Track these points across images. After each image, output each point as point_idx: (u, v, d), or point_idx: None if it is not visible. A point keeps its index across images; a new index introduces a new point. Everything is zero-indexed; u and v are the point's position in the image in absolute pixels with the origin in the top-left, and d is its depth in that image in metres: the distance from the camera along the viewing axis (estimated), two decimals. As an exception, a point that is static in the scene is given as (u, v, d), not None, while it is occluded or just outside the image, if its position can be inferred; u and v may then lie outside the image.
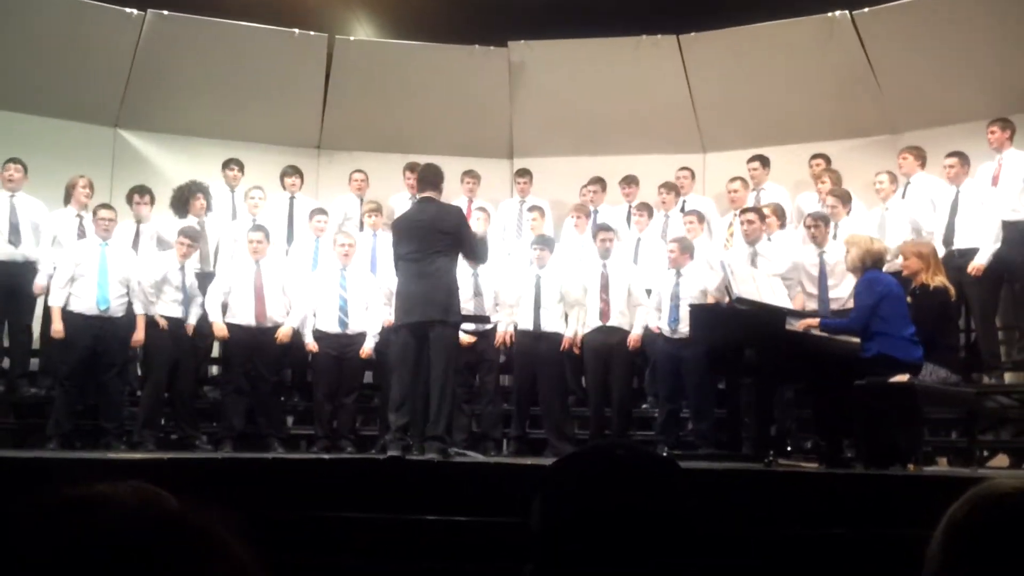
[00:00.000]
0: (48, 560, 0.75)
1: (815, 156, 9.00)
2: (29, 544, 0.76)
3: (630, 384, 8.28)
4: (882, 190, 8.13)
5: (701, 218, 8.53)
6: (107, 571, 0.75)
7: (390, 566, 4.56)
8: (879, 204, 8.24)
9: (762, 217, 7.85)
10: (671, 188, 9.17)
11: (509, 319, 8.23)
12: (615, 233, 8.41)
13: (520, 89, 10.42)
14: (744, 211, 8.07)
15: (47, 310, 7.98)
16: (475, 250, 6.68)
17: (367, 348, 8.10)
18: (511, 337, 8.22)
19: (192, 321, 7.98)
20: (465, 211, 9.19)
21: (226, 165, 9.32)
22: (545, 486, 1.33)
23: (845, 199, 8.07)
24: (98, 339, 7.66)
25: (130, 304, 7.85)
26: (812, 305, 7.61)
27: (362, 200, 9.50)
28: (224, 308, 8.03)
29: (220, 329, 7.95)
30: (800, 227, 8.53)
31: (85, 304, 7.66)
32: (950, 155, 7.79)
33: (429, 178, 6.74)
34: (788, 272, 7.63)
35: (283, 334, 8.02)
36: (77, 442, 7.75)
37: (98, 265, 7.75)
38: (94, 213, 7.95)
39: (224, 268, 8.37)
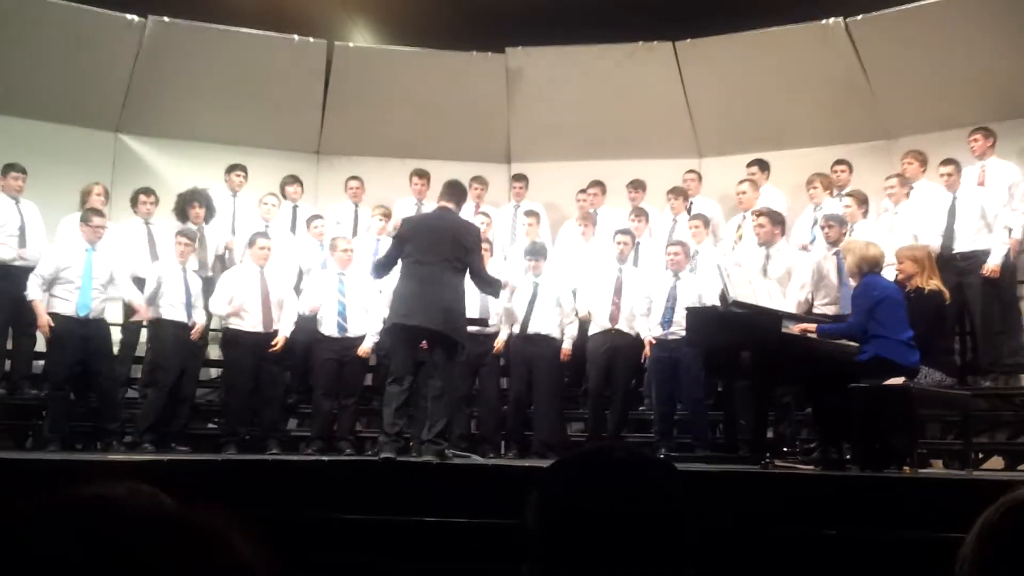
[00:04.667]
0: (47, 562, 0.74)
1: (838, 162, 8.89)
2: (28, 546, 0.75)
3: (629, 388, 8.32)
4: (894, 194, 8.14)
5: (706, 223, 8.56)
6: (107, 572, 0.75)
7: (389, 567, 4.59)
8: (882, 209, 8.28)
9: (774, 220, 7.84)
10: (679, 193, 9.18)
11: (507, 325, 8.29)
12: (631, 238, 8.45)
13: (517, 95, 10.47)
14: (757, 213, 8.01)
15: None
16: (486, 279, 6.67)
17: (366, 347, 8.11)
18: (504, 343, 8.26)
19: (200, 322, 8.02)
20: (472, 215, 9.21)
21: (231, 170, 9.34)
22: (541, 487, 1.33)
23: (861, 200, 8.00)
24: (86, 339, 7.69)
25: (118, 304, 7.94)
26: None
27: (357, 207, 9.54)
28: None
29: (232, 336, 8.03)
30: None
31: (71, 308, 7.69)
32: (945, 163, 7.85)
33: (457, 192, 6.71)
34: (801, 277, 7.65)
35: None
36: (77, 444, 7.78)
37: (83, 271, 7.75)
38: (87, 219, 7.94)
39: (229, 275, 8.31)
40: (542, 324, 8.19)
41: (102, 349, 7.84)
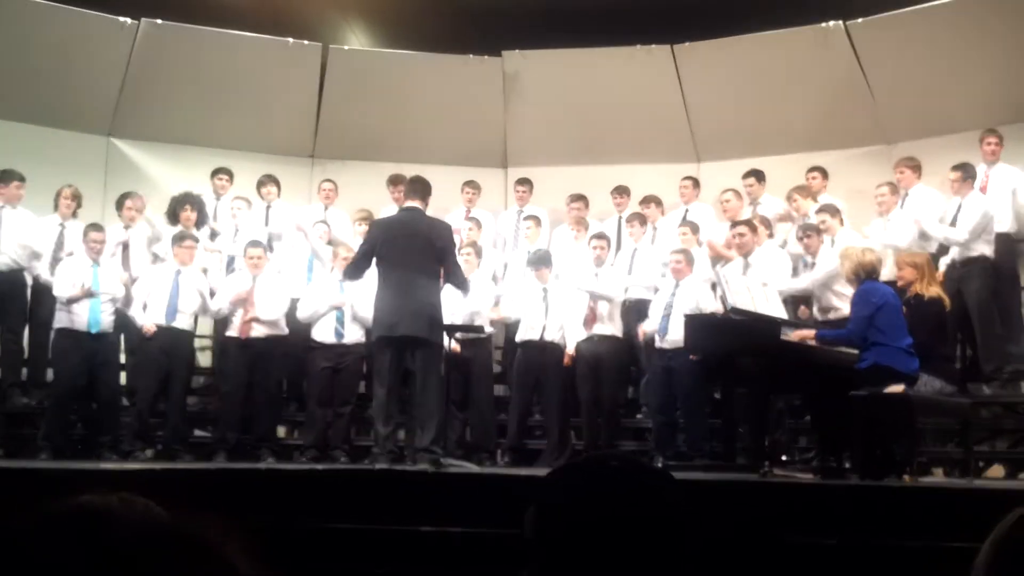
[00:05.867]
0: (39, 574, 0.74)
1: (812, 169, 8.90)
2: (19, 558, 0.75)
3: (621, 393, 8.26)
4: (884, 202, 8.07)
5: (695, 229, 8.51)
6: None
7: (384, 577, 4.55)
8: (876, 214, 8.24)
9: (753, 229, 7.86)
10: (650, 200, 9.15)
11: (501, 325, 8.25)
12: (608, 242, 8.40)
13: (514, 98, 10.42)
14: (735, 224, 8.06)
15: (35, 322, 7.98)
16: (459, 276, 6.62)
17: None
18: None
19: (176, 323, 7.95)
20: (462, 220, 9.17)
21: (215, 173, 9.29)
22: (540, 496, 1.33)
23: (834, 212, 7.99)
24: (93, 353, 7.71)
25: (119, 319, 7.90)
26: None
27: (327, 209, 9.40)
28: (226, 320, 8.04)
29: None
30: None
31: (78, 323, 7.70)
32: (956, 168, 7.75)
33: (420, 189, 6.64)
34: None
35: None
36: (68, 452, 7.72)
37: (90, 286, 7.74)
38: (84, 234, 7.93)
39: (224, 281, 8.22)
40: (555, 332, 8.13)
41: (109, 361, 7.89)
